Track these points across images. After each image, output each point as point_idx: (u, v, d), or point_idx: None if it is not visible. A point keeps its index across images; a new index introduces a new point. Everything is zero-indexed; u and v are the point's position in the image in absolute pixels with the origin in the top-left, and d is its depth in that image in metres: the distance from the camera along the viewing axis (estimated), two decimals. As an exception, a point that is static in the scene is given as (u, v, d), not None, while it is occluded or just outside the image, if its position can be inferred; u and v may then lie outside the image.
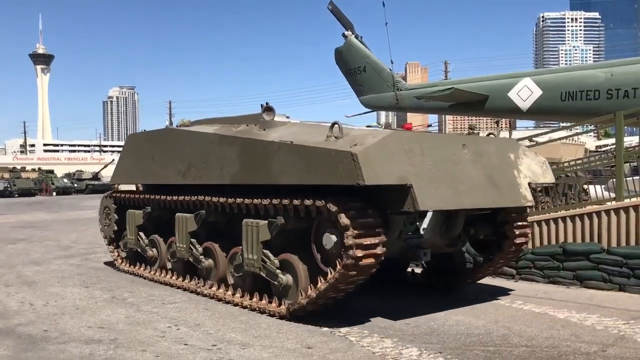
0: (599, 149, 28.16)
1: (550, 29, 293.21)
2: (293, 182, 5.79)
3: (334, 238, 5.47)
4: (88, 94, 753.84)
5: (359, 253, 5.20)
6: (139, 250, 8.75)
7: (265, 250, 6.22)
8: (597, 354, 4.69)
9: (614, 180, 8.44)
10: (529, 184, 6.39)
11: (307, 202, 5.65)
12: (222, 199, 6.87)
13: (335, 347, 4.94)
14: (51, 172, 58.50)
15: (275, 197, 6.05)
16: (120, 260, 9.33)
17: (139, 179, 9.13)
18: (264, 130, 6.60)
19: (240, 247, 6.53)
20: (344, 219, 5.25)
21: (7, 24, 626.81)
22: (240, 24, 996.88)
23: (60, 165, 71.10)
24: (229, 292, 6.82)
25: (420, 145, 5.55)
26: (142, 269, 8.68)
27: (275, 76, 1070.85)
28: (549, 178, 6.69)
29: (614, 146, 9.06)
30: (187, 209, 7.60)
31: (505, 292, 7.30)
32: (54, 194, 48.94)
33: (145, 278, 8.46)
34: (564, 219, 8.26)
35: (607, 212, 7.85)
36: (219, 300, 6.88)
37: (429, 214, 6.47)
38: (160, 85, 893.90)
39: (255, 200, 6.31)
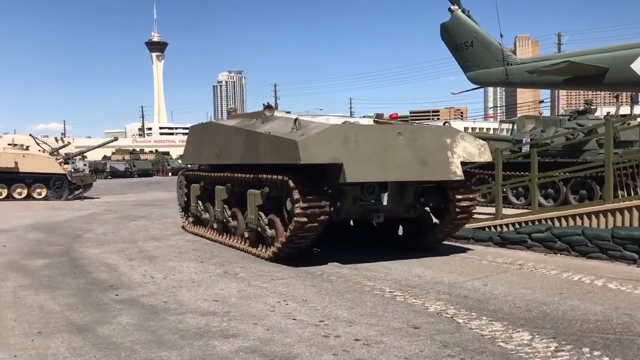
0: None
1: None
2: (269, 162, 7.80)
3: (290, 205, 7.35)
4: (199, 78, 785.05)
5: (303, 219, 7.10)
6: (198, 214, 11.09)
7: (260, 212, 8.27)
8: None
9: None
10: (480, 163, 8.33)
11: (279, 177, 7.50)
12: (237, 174, 8.84)
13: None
14: (167, 153, 62.04)
15: (265, 173, 7.93)
16: (187, 223, 11.74)
17: (196, 160, 11.59)
18: (262, 123, 8.63)
19: None
20: (295, 194, 7.10)
21: (125, 14, 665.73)
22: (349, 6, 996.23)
23: (175, 147, 74.90)
24: (241, 243, 9.04)
25: (356, 135, 7.20)
26: (200, 229, 10.94)
27: (376, 55, 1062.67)
28: (485, 158, 8.06)
29: None
30: (222, 183, 9.64)
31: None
32: (170, 174, 51.79)
33: (203, 237, 10.64)
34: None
35: None
36: (238, 249, 8.98)
37: (389, 187, 7.94)
38: (267, 68, 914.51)
39: (255, 175, 8.25)
